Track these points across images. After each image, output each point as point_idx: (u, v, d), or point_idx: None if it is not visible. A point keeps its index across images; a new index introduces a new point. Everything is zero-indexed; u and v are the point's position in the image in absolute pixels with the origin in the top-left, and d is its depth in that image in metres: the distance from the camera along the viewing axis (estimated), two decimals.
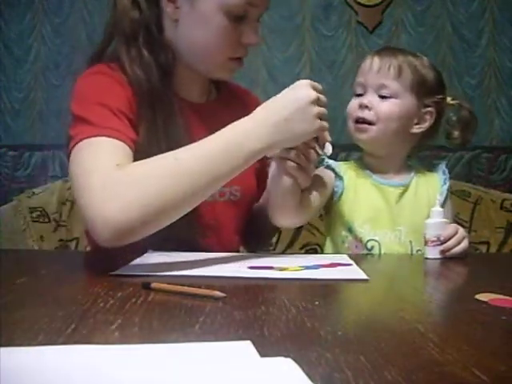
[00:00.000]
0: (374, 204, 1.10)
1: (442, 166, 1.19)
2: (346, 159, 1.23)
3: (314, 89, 0.88)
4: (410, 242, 1.09)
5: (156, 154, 0.85)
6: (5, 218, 1.64)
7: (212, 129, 0.99)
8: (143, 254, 0.91)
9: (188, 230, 0.89)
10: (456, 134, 1.14)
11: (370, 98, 1.08)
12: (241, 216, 1.11)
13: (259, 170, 1.13)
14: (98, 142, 0.86)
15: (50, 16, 3.54)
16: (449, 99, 1.13)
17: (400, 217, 1.10)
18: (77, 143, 0.86)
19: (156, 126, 0.95)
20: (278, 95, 0.89)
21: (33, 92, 3.55)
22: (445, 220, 1.02)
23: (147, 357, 0.40)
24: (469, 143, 1.16)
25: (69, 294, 0.66)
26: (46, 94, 3.52)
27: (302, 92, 0.87)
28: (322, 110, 0.88)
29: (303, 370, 0.36)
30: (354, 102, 1.11)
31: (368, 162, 1.14)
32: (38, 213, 1.66)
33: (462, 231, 1.02)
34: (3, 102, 3.55)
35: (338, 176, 1.11)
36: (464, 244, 1.00)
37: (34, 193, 1.71)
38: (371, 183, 1.12)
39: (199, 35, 0.97)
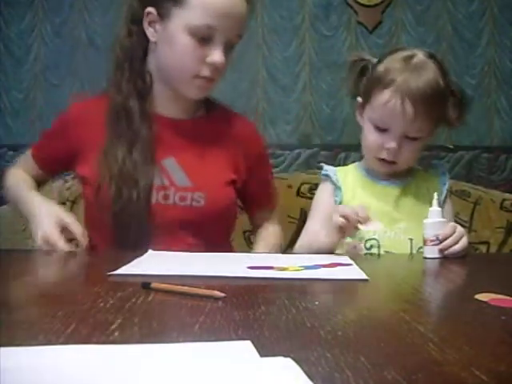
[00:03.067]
0: (373, 204, 1.11)
1: (442, 167, 1.20)
2: (345, 159, 1.24)
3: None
4: (411, 239, 1.09)
5: (119, 156, 1.09)
6: (5, 218, 1.64)
7: (193, 142, 1.15)
8: (143, 253, 0.91)
9: (138, 229, 1.06)
10: (453, 115, 1.13)
11: (398, 143, 1.06)
12: (207, 223, 1.12)
13: (240, 189, 1.20)
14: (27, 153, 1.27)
15: (50, 16, 3.54)
16: None
17: (400, 215, 1.10)
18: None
19: (119, 137, 1.10)
20: None
21: (33, 92, 3.55)
22: (443, 220, 1.02)
23: (147, 357, 0.40)
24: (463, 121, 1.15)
25: (69, 293, 0.66)
26: (46, 94, 3.52)
27: None
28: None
29: (303, 369, 0.36)
30: (378, 140, 1.08)
31: (369, 164, 1.15)
32: None
33: (460, 230, 1.02)
34: (3, 102, 3.55)
35: (336, 187, 1.13)
36: (462, 243, 1.00)
37: None
38: (370, 185, 1.13)
39: (168, 54, 1.09)
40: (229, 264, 0.87)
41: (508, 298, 0.62)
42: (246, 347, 0.42)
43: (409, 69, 1.06)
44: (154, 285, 0.64)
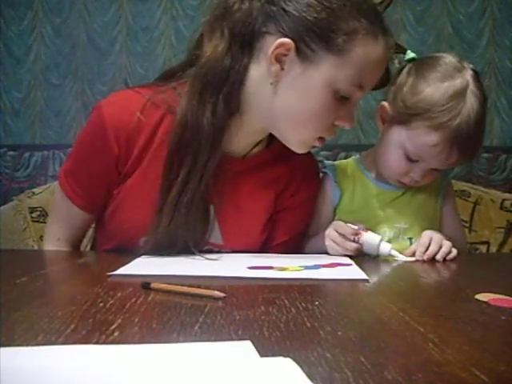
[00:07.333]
0: (372, 203, 1.11)
1: None
2: (345, 159, 1.23)
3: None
4: (410, 238, 1.08)
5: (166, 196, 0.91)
6: (5, 218, 1.64)
7: (237, 188, 1.00)
8: (142, 254, 0.91)
9: None
10: None
11: (424, 175, 1.05)
12: None
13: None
14: (61, 196, 1.00)
15: (50, 16, 3.54)
16: None
17: (398, 214, 1.10)
18: (58, 179, 1.02)
19: (174, 172, 0.91)
20: None
21: (33, 92, 3.55)
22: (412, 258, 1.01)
23: (147, 357, 0.40)
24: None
25: (69, 294, 0.66)
26: (46, 94, 3.52)
27: None
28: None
29: (303, 370, 0.36)
30: (404, 169, 1.05)
31: (383, 176, 1.13)
32: (38, 213, 1.65)
33: (436, 240, 1.00)
34: (3, 102, 3.54)
35: (335, 187, 1.13)
36: (442, 252, 0.99)
37: (34, 193, 1.71)
38: (369, 182, 1.13)
39: (298, 103, 0.90)
40: (229, 264, 0.87)
41: (508, 297, 0.62)
42: (245, 347, 0.42)
43: (463, 112, 0.97)
44: (153, 285, 0.64)
